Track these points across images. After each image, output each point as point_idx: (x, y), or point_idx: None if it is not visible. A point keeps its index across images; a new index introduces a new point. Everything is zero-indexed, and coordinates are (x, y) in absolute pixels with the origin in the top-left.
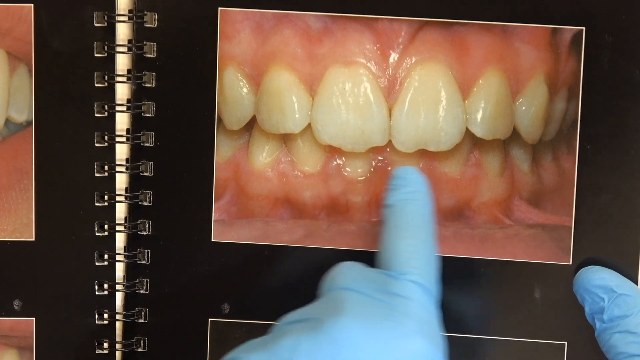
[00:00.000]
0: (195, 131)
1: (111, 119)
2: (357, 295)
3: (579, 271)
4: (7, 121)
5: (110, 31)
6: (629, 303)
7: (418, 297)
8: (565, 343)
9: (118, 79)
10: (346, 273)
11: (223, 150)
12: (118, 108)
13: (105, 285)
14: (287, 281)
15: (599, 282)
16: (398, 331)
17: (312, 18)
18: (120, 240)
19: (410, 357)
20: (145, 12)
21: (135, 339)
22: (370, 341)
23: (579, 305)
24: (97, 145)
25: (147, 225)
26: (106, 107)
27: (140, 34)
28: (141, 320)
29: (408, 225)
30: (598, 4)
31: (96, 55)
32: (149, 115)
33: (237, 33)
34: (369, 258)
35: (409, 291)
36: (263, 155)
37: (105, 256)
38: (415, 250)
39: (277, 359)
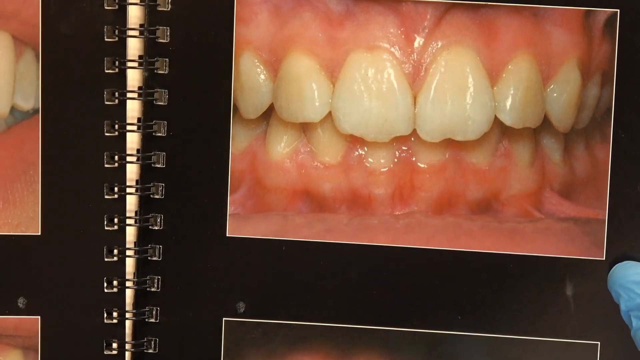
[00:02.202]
0: (210, 120)
1: (122, 107)
2: None
3: (614, 266)
4: (13, 109)
5: (121, 15)
6: None
7: None
8: (599, 343)
9: (129, 64)
10: None
11: (239, 141)
12: (129, 95)
13: (115, 282)
14: (306, 279)
15: (636, 277)
16: None
17: (333, 0)
18: (131, 234)
19: None
20: None
21: (145, 340)
22: None
23: (613, 303)
24: (106, 134)
25: (158, 220)
26: (116, 94)
27: (152, 18)
28: (152, 320)
29: None
30: None
31: (106, 40)
32: (162, 103)
33: (255, 16)
34: (392, 254)
35: None
36: (281, 146)
37: (115, 251)
38: None
39: None
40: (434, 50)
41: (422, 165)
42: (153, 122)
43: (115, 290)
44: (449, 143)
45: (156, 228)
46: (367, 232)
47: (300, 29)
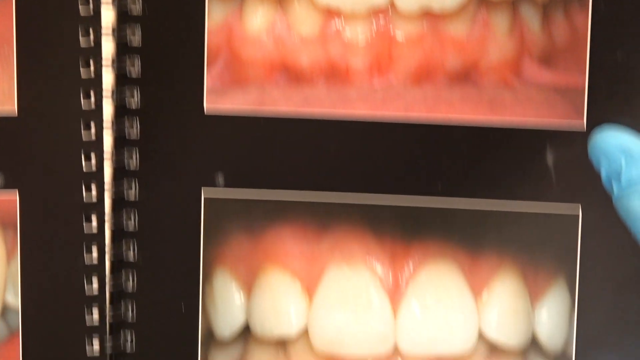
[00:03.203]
0: None
1: None
2: None
3: (594, 132)
4: None
5: None
6: None
7: None
8: (580, 210)
9: None
10: None
11: (215, 15)
12: None
13: (93, 158)
14: (284, 152)
15: (616, 142)
16: None
17: None
18: (108, 112)
19: None
20: None
21: (124, 215)
22: None
23: (594, 171)
24: (81, 8)
25: (135, 94)
26: None
27: None
28: (132, 199)
29: None
30: None
31: None
32: None
33: None
34: (371, 125)
35: None
36: (257, 19)
37: (92, 128)
38: None
39: None
40: None
41: (400, 38)
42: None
43: (93, 169)
44: (426, 14)
45: (133, 107)
46: (345, 103)
47: None
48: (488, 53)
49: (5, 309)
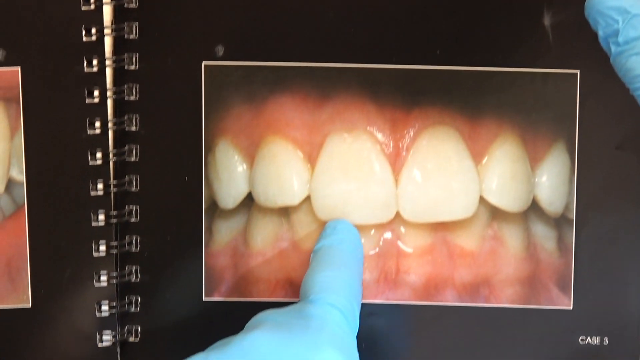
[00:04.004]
0: None
1: None
2: (272, 319)
3: None
4: None
5: None
6: None
7: (334, 317)
8: (578, 71)
9: None
10: (262, 312)
11: None
12: None
13: (93, 30)
14: (285, 20)
15: (613, 2)
16: (309, 343)
17: None
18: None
19: None
20: None
21: (126, 86)
22: (280, 351)
23: (592, 32)
24: None
25: None
26: None
27: None
28: (132, 67)
29: (330, 262)
30: None
31: None
32: None
33: None
34: None
35: (325, 312)
36: None
37: (92, 3)
38: (334, 280)
39: None
40: None
41: None
42: None
43: (94, 38)
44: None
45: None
46: None
47: None
48: None
49: (11, 183)
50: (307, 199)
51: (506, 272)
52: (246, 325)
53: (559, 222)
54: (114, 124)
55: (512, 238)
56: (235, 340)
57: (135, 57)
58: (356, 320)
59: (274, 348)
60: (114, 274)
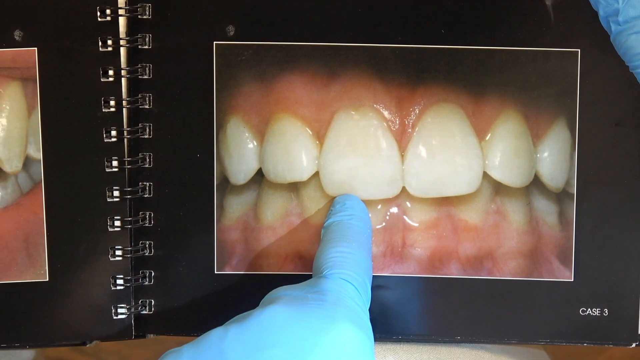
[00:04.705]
0: None
1: None
2: (288, 294)
3: None
4: None
5: None
6: None
7: (348, 291)
8: (579, 50)
9: None
10: (277, 288)
11: None
12: None
13: (108, 11)
14: (293, 4)
15: None
16: (326, 316)
17: None
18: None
19: (338, 341)
20: None
21: (140, 66)
22: (297, 324)
23: (592, 11)
24: None
25: None
26: None
27: None
28: (145, 47)
29: (341, 237)
30: None
31: None
32: None
33: None
34: None
35: (339, 286)
36: None
37: None
38: (347, 255)
39: (207, 347)
40: None
41: None
42: None
43: (108, 19)
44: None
45: None
46: None
47: None
48: None
49: (28, 161)
50: (316, 174)
51: (509, 246)
52: (262, 301)
53: (560, 197)
54: (128, 102)
55: (514, 212)
56: (253, 314)
57: (148, 37)
58: (368, 294)
59: (291, 321)
60: (129, 248)
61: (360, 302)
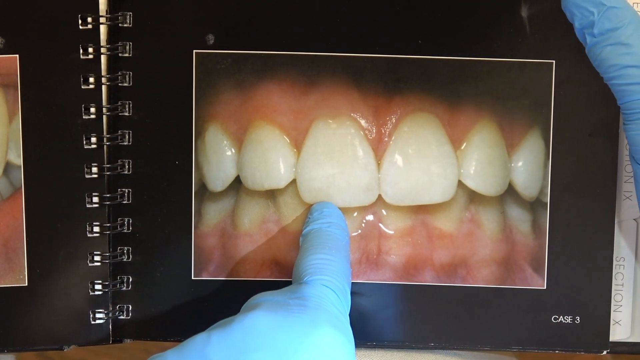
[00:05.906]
0: None
1: None
2: (269, 300)
3: None
4: None
5: None
6: (619, 15)
7: (329, 297)
8: (554, 61)
9: None
10: (258, 294)
11: None
12: None
13: (89, 19)
14: (273, 10)
15: None
16: (308, 320)
17: None
18: None
19: (320, 344)
20: None
21: (120, 73)
22: (280, 329)
23: (568, 23)
24: None
25: None
26: None
27: None
28: (126, 55)
29: (320, 245)
30: None
31: None
32: None
33: None
34: None
35: (320, 292)
36: None
37: None
38: (327, 262)
39: (190, 352)
40: None
41: None
42: None
43: (89, 27)
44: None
45: None
46: None
47: None
48: None
49: (9, 166)
50: (293, 182)
51: (483, 254)
52: (243, 306)
53: (533, 206)
54: (108, 109)
55: (488, 221)
56: (236, 319)
57: (129, 45)
58: (348, 300)
59: (274, 326)
60: (107, 254)
61: (340, 307)
